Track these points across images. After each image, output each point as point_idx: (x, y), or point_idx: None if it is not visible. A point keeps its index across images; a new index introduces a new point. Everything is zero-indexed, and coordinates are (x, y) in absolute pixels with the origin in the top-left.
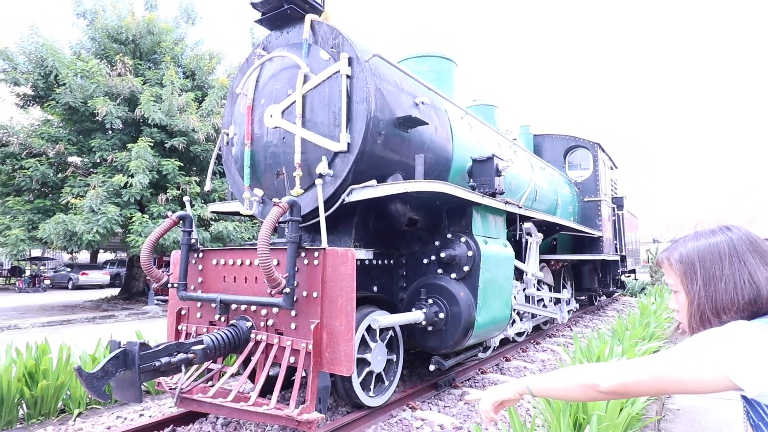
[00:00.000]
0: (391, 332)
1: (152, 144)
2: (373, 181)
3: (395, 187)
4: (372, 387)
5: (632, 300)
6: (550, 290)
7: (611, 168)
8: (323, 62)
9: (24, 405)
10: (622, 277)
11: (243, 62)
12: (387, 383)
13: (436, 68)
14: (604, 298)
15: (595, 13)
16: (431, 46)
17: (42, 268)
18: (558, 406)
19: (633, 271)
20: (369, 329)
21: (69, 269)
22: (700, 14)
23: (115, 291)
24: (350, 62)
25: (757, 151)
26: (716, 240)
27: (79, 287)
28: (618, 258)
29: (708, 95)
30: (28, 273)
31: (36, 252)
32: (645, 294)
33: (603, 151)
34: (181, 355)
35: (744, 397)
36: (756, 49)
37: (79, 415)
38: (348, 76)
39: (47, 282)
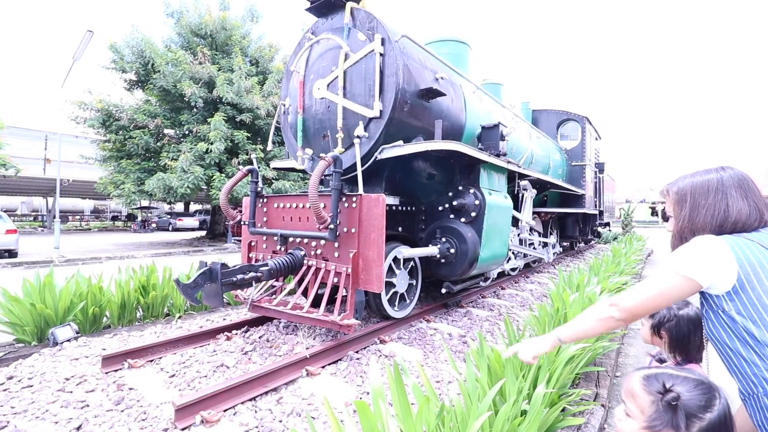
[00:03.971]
0: (412, 263)
1: (226, 118)
2: (400, 142)
3: (419, 146)
4: (396, 304)
5: (606, 246)
6: (540, 236)
7: (596, 138)
8: (360, 42)
9: (140, 309)
10: (599, 229)
11: (296, 45)
12: (408, 301)
13: (453, 51)
14: (583, 244)
15: (588, 6)
16: (450, 32)
17: (149, 215)
18: (544, 319)
19: (608, 224)
20: (395, 259)
21: (169, 216)
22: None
23: (203, 232)
24: (383, 42)
25: (725, 121)
26: (709, 177)
27: (176, 229)
28: (597, 212)
29: (682, 74)
30: (139, 218)
31: (145, 203)
32: (617, 241)
33: (590, 123)
34: (252, 273)
35: (701, 294)
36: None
37: (179, 317)
38: (381, 54)
39: (154, 225)
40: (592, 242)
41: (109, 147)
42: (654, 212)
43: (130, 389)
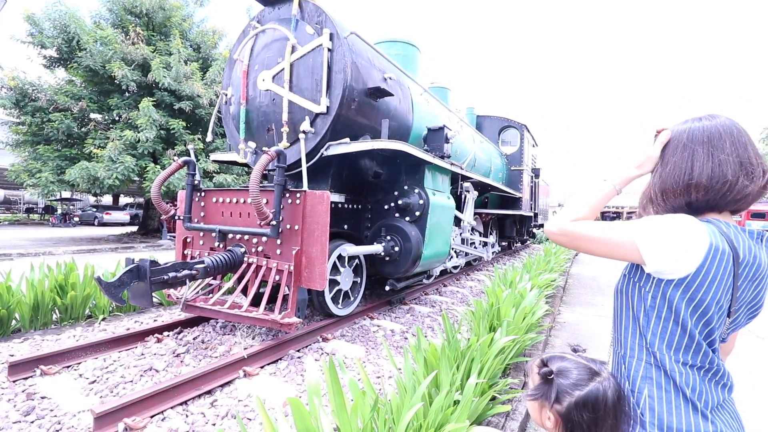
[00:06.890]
0: (357, 260)
1: (159, 104)
2: (347, 140)
3: (365, 144)
4: (340, 302)
5: (540, 246)
6: (480, 236)
7: (533, 146)
8: (308, 36)
9: (56, 311)
10: (534, 230)
11: (240, 33)
12: (352, 299)
13: (402, 52)
14: (519, 244)
15: (535, 14)
16: (400, 34)
17: (71, 207)
18: (479, 314)
19: (542, 225)
20: (340, 257)
21: (95, 209)
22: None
23: (135, 228)
24: (331, 37)
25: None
26: (685, 127)
27: (103, 224)
28: (532, 214)
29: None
30: (59, 211)
31: (66, 194)
32: (549, 242)
33: (528, 131)
34: (186, 271)
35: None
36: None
37: (103, 319)
38: (329, 50)
39: (76, 219)
40: (528, 242)
41: (24, 130)
42: None
43: (43, 398)
